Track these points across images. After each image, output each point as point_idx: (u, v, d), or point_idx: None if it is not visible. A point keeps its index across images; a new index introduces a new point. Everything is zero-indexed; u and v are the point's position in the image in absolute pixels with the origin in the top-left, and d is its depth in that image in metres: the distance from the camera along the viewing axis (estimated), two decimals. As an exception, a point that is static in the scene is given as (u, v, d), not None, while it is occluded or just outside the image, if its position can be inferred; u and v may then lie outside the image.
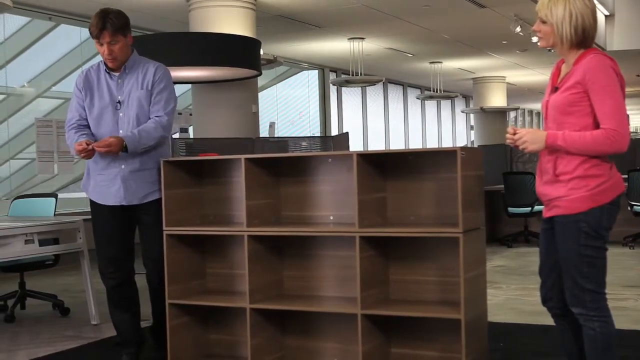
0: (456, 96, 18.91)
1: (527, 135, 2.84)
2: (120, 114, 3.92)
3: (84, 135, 3.90)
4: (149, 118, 3.94)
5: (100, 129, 3.94)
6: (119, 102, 3.93)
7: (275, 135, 11.46)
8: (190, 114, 9.41)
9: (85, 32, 10.58)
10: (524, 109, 27.53)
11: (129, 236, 4.04)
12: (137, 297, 4.15)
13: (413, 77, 18.13)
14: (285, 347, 4.03)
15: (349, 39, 12.80)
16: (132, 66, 3.96)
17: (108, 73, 3.95)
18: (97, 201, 4.00)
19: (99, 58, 4.02)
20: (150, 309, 4.20)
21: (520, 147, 2.88)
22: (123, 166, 3.91)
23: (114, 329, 4.19)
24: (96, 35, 3.80)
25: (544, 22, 2.87)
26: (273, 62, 9.86)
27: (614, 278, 6.51)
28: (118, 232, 3.99)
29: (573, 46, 2.84)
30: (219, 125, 8.89)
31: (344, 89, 16.40)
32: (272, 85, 15.38)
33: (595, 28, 2.84)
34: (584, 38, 2.82)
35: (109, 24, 3.78)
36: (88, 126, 3.98)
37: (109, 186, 3.94)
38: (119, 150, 3.81)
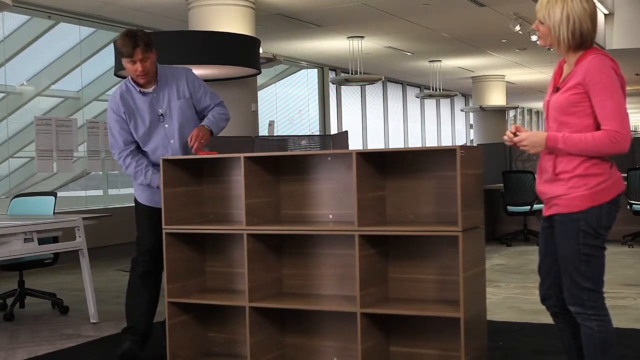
0: (455, 95, 18.91)
1: (527, 140, 2.84)
2: (166, 125, 4.15)
3: (150, 169, 4.14)
4: (200, 120, 4.23)
5: (151, 143, 4.16)
6: (162, 115, 4.14)
7: (275, 134, 11.46)
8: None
9: (84, 31, 10.58)
10: (524, 108, 27.55)
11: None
12: (159, 293, 4.26)
13: (412, 76, 18.13)
14: (285, 346, 4.03)
15: (348, 37, 12.79)
16: (163, 79, 4.16)
17: (141, 92, 4.12)
18: (149, 205, 4.22)
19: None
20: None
21: (521, 149, 2.89)
22: None
23: (126, 315, 4.28)
24: (129, 53, 3.96)
25: (542, 22, 2.86)
26: (272, 60, 9.86)
27: (613, 277, 6.52)
28: (158, 227, 4.12)
29: (570, 48, 2.83)
30: (219, 123, 8.88)
31: (343, 87, 16.40)
32: (271, 84, 15.37)
33: (594, 31, 2.82)
34: (581, 42, 2.81)
35: (140, 41, 3.97)
36: (137, 146, 4.20)
37: (159, 191, 4.13)
38: (209, 135, 4.14)
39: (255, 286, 3.78)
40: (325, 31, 12.17)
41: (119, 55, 4.07)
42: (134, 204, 4.38)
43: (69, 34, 10.51)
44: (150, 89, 4.13)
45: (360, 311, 3.49)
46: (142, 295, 4.22)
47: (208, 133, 4.12)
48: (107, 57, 9.93)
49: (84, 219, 5.46)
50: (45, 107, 10.93)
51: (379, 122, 18.45)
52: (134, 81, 4.12)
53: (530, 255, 8.17)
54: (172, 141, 4.15)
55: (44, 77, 10.80)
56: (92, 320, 5.35)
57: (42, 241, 5.19)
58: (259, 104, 9.72)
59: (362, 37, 12.80)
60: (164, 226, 3.95)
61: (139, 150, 4.21)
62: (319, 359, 3.96)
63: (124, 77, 5.09)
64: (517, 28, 11.31)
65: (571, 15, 2.78)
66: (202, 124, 4.16)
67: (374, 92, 18.11)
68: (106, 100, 8.60)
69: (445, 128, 22.25)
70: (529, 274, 6.89)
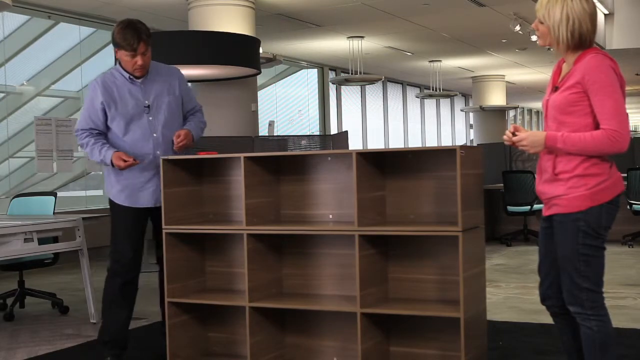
0: (455, 95, 18.91)
1: (527, 140, 2.84)
2: (150, 118, 4.01)
3: (106, 145, 3.96)
4: (184, 117, 4.16)
5: (132, 133, 3.98)
6: (147, 106, 4.00)
7: (275, 134, 11.46)
8: (190, 113, 9.40)
9: (84, 31, 10.58)
10: (523, 108, 27.55)
11: (142, 236, 4.11)
12: (135, 299, 4.14)
13: (412, 76, 18.13)
14: (285, 346, 4.03)
15: (348, 37, 12.79)
16: (153, 72, 4.05)
17: (130, 79, 3.99)
18: (128, 205, 4.01)
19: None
20: (151, 308, 4.19)
21: (520, 149, 2.89)
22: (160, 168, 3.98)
23: (104, 328, 4.07)
24: (133, 47, 3.86)
25: (541, 22, 2.86)
26: (272, 60, 9.86)
27: (613, 277, 6.52)
28: (138, 232, 4.04)
29: (569, 49, 2.83)
30: (218, 123, 8.89)
31: (343, 87, 16.40)
32: (271, 84, 15.38)
33: (593, 32, 2.82)
34: (580, 42, 2.81)
35: (144, 34, 3.88)
36: (101, 134, 4.02)
37: (142, 189, 4.01)
38: (192, 142, 4.06)
39: (255, 286, 3.78)
40: (325, 31, 12.17)
41: (117, 47, 3.93)
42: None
43: (69, 34, 10.52)
44: (139, 79, 4.01)
45: (360, 311, 3.49)
46: (124, 308, 4.04)
47: (192, 139, 4.06)
48: (107, 57, 9.93)
49: (84, 219, 5.46)
50: (45, 107, 10.93)
51: (379, 122, 18.45)
52: (126, 71, 3.99)
53: (530, 255, 8.17)
54: (155, 135, 4.00)
55: (44, 77, 10.80)
56: (92, 320, 5.34)
57: (42, 241, 5.18)
58: (259, 104, 9.72)
59: (362, 37, 12.80)
60: (164, 226, 3.94)
61: (102, 137, 4.01)
62: (319, 359, 3.96)
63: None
64: (517, 28, 11.31)
65: (571, 15, 2.77)
66: (187, 128, 4.07)
67: (374, 92, 18.10)
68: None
69: (445, 128, 22.25)
70: (529, 274, 6.89)
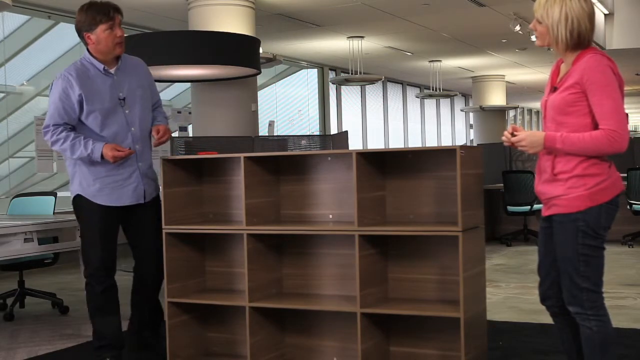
0: (455, 95, 18.89)
1: (526, 140, 2.84)
2: (126, 111, 3.89)
3: (89, 139, 3.79)
4: (152, 111, 4.06)
5: (111, 127, 3.84)
6: (123, 99, 3.88)
7: (275, 134, 11.45)
8: (190, 113, 9.41)
9: (84, 31, 10.58)
10: (523, 108, 27.54)
11: (116, 237, 3.99)
12: (118, 297, 4.05)
13: (412, 76, 18.13)
14: (285, 346, 4.03)
15: (348, 37, 12.79)
16: (124, 62, 3.95)
17: (105, 71, 3.86)
18: (109, 204, 3.87)
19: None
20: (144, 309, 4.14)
21: (519, 149, 2.89)
22: (140, 164, 3.94)
23: (96, 334, 3.96)
24: (111, 16, 3.75)
25: (539, 22, 2.86)
26: (272, 60, 9.84)
27: (613, 277, 6.52)
28: (113, 233, 3.95)
29: (568, 48, 2.84)
30: (218, 123, 8.89)
31: (343, 87, 16.39)
32: (271, 84, 15.37)
33: (592, 31, 2.83)
34: (579, 41, 2.81)
35: (114, 4, 3.80)
36: (74, 129, 3.86)
37: (123, 186, 3.90)
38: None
39: (255, 286, 3.78)
40: (325, 31, 12.17)
41: (89, 28, 3.75)
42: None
43: (69, 34, 10.51)
44: (112, 70, 3.87)
45: (360, 311, 3.49)
46: (112, 312, 3.93)
47: (170, 136, 4.00)
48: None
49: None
50: (45, 107, 10.86)
51: (379, 122, 18.45)
52: (98, 59, 3.84)
53: (530, 255, 8.17)
54: (133, 129, 3.89)
55: (44, 77, 10.80)
56: (92, 320, 5.34)
57: (42, 241, 5.18)
58: (259, 104, 9.72)
59: (362, 37, 12.80)
60: (164, 226, 3.94)
61: (76, 133, 3.84)
62: (319, 359, 3.96)
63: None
64: (517, 28, 11.31)
65: (569, 15, 2.78)
66: (162, 124, 4.01)
67: (374, 92, 18.10)
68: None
69: (445, 128, 22.25)
70: (529, 273, 6.89)
